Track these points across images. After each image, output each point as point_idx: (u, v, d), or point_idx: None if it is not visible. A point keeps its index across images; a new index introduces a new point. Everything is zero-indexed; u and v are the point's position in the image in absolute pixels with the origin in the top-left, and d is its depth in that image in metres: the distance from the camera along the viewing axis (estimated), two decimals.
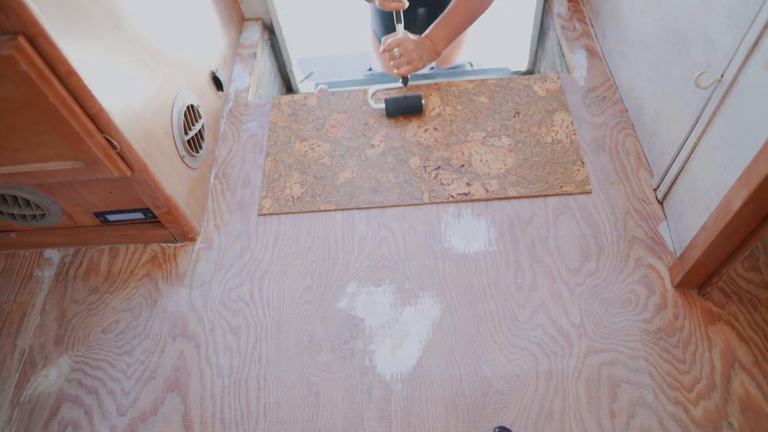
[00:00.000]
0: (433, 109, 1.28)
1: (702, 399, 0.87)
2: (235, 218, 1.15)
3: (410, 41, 1.19)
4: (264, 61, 1.53)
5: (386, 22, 1.61)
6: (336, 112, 1.30)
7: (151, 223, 1.11)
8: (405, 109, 1.25)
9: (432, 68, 1.97)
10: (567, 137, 1.19)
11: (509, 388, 0.91)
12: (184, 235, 1.11)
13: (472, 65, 1.88)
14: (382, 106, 1.26)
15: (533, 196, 1.11)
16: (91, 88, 0.78)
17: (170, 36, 1.08)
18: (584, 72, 1.30)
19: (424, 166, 1.18)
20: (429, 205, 1.13)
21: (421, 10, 1.52)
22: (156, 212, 1.05)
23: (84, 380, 0.98)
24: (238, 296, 1.05)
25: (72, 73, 0.75)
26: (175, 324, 1.03)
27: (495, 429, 0.86)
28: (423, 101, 1.25)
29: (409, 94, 1.28)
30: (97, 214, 1.09)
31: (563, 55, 1.40)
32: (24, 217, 1.08)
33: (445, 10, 1.23)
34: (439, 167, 1.17)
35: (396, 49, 1.19)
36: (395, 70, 1.22)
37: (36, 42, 0.70)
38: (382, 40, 1.24)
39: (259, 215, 1.15)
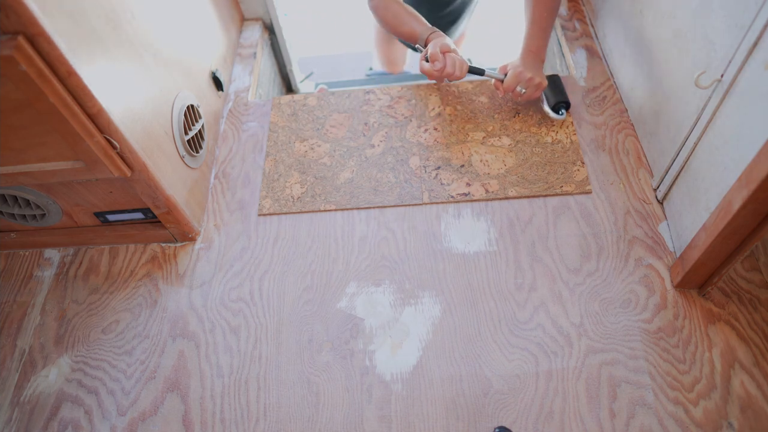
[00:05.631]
0: (433, 109, 1.28)
1: (702, 399, 0.87)
2: (235, 218, 1.15)
3: (522, 70, 1.16)
4: (264, 61, 1.53)
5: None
6: (336, 112, 1.30)
7: (151, 223, 1.11)
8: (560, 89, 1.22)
9: None
10: (567, 137, 1.19)
11: (509, 388, 0.91)
12: (184, 235, 1.11)
13: (470, 61, 1.88)
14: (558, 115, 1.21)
15: (533, 196, 1.11)
16: (91, 88, 0.78)
17: (170, 36, 1.08)
18: (584, 72, 1.30)
19: (424, 166, 1.18)
20: (429, 205, 1.13)
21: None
22: (156, 212, 1.05)
23: (84, 380, 0.98)
24: (238, 296, 1.05)
25: (72, 73, 0.75)
26: (175, 324, 1.03)
27: (495, 429, 0.86)
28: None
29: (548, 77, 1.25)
30: (97, 214, 1.09)
31: (563, 55, 1.40)
32: (24, 217, 1.08)
33: (528, 19, 1.20)
34: (439, 167, 1.17)
35: (518, 87, 1.16)
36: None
37: (36, 42, 0.70)
38: (503, 88, 1.18)
39: (259, 215, 1.15)
